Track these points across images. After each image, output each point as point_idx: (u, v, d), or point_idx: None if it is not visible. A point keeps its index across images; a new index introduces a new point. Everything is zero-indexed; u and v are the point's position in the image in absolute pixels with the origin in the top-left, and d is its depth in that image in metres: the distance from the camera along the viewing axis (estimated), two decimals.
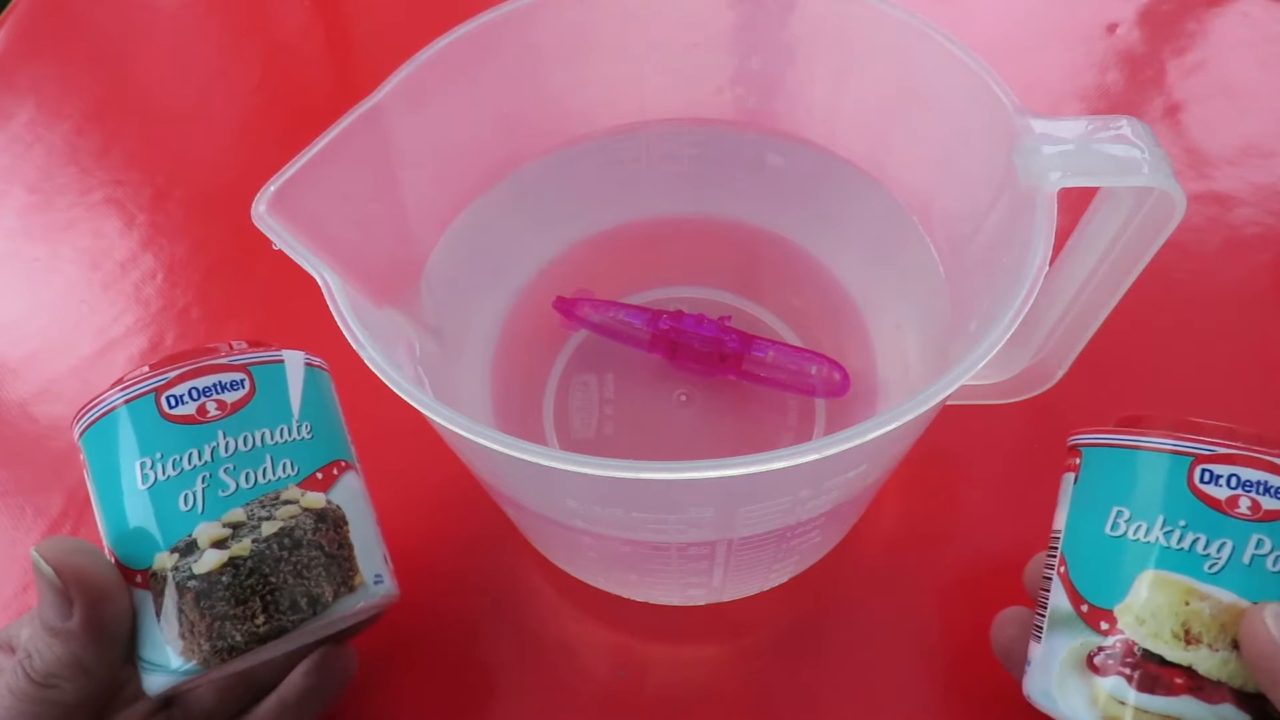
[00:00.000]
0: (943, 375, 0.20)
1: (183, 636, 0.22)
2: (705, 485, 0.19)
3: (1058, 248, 0.23)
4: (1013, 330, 0.20)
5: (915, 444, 0.26)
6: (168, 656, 0.23)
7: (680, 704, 0.31)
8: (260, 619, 0.23)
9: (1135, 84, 0.46)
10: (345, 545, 0.24)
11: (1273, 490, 0.22)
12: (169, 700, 0.27)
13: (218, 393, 0.24)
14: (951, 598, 0.32)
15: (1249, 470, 0.22)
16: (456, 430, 0.19)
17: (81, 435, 0.24)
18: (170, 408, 0.23)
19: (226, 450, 0.23)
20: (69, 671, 0.22)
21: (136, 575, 0.23)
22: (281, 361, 0.25)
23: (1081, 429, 0.26)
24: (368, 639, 0.30)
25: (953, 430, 0.32)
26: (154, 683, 0.23)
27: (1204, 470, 0.22)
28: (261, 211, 0.22)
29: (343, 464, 0.25)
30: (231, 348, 0.25)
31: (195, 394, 0.23)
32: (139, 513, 0.23)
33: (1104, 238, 0.26)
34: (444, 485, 0.34)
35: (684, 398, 0.34)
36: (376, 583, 0.25)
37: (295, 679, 0.29)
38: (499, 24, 0.27)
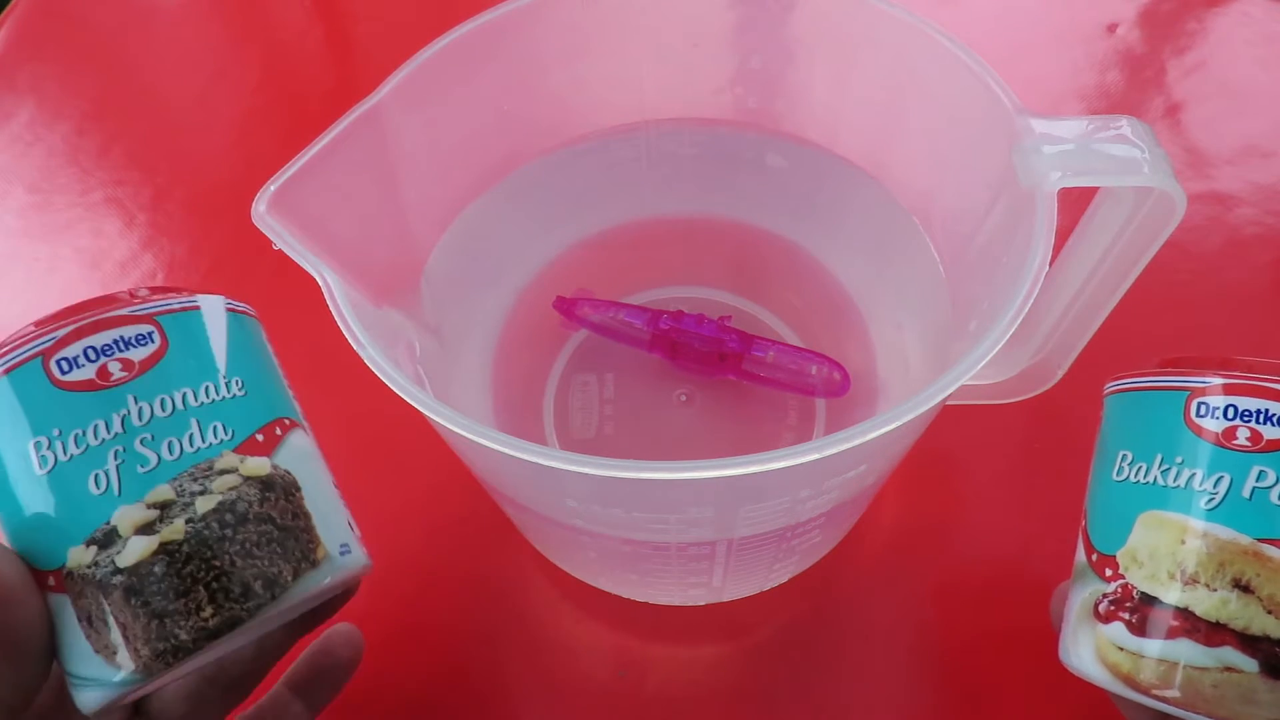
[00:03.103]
0: (943, 375, 0.20)
1: (115, 642, 0.19)
2: (705, 485, 0.19)
3: (1058, 248, 0.23)
4: (1013, 330, 0.20)
5: (915, 444, 0.26)
6: (100, 668, 0.19)
7: (680, 704, 0.31)
8: (207, 611, 0.19)
9: (1135, 84, 0.46)
10: (300, 514, 0.21)
11: (1274, 419, 0.21)
12: (136, 708, 0.24)
13: (121, 350, 0.20)
14: (952, 597, 0.32)
15: (1248, 399, 0.21)
16: (456, 430, 0.19)
17: None
18: (63, 373, 0.19)
19: (140, 418, 0.20)
20: None
21: (49, 577, 0.19)
22: (197, 309, 0.21)
23: (1116, 374, 0.25)
24: (365, 638, 0.30)
25: (953, 430, 0.32)
26: (88, 700, 0.20)
27: (1199, 403, 0.21)
28: (261, 211, 0.22)
29: (286, 422, 0.22)
30: (133, 296, 0.21)
31: (93, 354, 0.20)
32: (41, 503, 0.19)
33: (1104, 238, 0.26)
34: (443, 485, 0.34)
35: (684, 398, 0.34)
36: (343, 553, 0.22)
37: (301, 665, 0.28)
38: (499, 24, 0.27)
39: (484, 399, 0.32)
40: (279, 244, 0.22)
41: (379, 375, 0.21)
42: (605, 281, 0.35)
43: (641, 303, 0.35)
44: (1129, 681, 0.21)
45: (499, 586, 0.33)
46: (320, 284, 0.22)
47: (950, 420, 0.28)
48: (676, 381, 0.34)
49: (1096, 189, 0.25)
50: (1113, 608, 0.22)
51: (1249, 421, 0.21)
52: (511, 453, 0.19)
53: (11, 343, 0.20)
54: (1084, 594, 0.23)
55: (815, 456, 0.19)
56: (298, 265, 0.22)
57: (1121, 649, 0.22)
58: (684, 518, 0.23)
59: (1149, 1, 0.49)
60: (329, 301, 0.22)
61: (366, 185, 0.26)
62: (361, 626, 0.29)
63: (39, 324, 0.20)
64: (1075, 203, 0.25)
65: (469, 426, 0.19)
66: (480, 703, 0.31)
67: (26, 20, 0.53)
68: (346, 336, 0.21)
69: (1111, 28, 0.48)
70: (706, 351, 0.33)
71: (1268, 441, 0.21)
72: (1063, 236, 0.25)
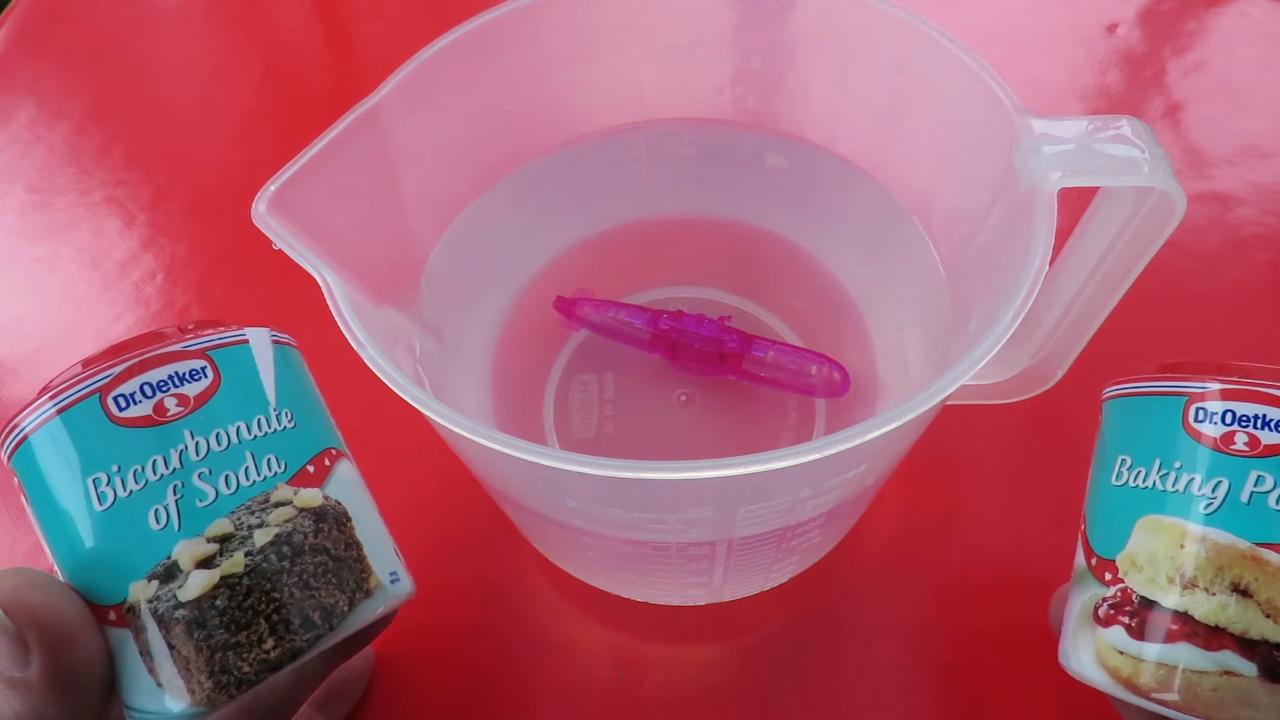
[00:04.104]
0: (943, 375, 0.20)
1: (178, 676, 0.19)
2: (705, 485, 0.19)
3: (1058, 248, 0.23)
4: (1013, 330, 0.20)
5: (915, 444, 0.26)
6: (162, 702, 0.19)
7: (680, 704, 0.31)
8: (269, 643, 0.20)
9: (1135, 84, 0.46)
10: (353, 545, 0.21)
11: (1273, 424, 0.21)
12: None
13: (176, 386, 0.20)
14: (951, 598, 0.32)
15: (1245, 405, 0.21)
16: (456, 430, 0.19)
17: (11, 457, 0.20)
18: (120, 409, 0.20)
19: (197, 452, 0.20)
20: None
21: (109, 612, 0.20)
22: (246, 342, 0.21)
23: (1114, 380, 0.25)
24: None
25: (953, 430, 0.32)
26: None
27: (1198, 409, 0.21)
28: (261, 211, 0.22)
29: (334, 453, 0.22)
30: (182, 331, 0.21)
31: (149, 390, 0.20)
32: (101, 539, 0.19)
33: (1104, 238, 0.26)
34: (443, 485, 0.34)
35: (684, 398, 0.34)
36: (393, 581, 0.22)
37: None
38: (499, 24, 0.27)
39: (484, 399, 0.32)
40: (279, 244, 0.22)
41: (379, 375, 0.21)
42: (605, 281, 0.35)
43: (641, 303, 0.35)
44: (1128, 685, 0.21)
45: (499, 586, 0.33)
46: (320, 284, 0.22)
47: (950, 420, 0.28)
48: (676, 381, 0.34)
49: (1096, 189, 0.25)
50: (1112, 611, 0.22)
51: (1247, 427, 0.21)
52: (511, 453, 0.19)
53: (63, 382, 0.20)
54: (1083, 598, 0.23)
55: (815, 456, 0.19)
56: (298, 265, 0.22)
57: (1121, 653, 0.22)
58: (684, 518, 0.23)
59: (1149, 1, 0.49)
60: (329, 301, 0.22)
61: (366, 185, 0.26)
62: None
63: (86, 363, 0.20)
64: (1075, 203, 0.25)
65: (469, 426, 0.19)
66: (480, 702, 0.31)
67: (26, 20, 0.53)
68: (346, 336, 0.21)
69: (1111, 28, 0.48)
70: (706, 351, 0.33)
71: (1265, 446, 0.21)
72: (1063, 236, 0.25)
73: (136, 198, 0.45)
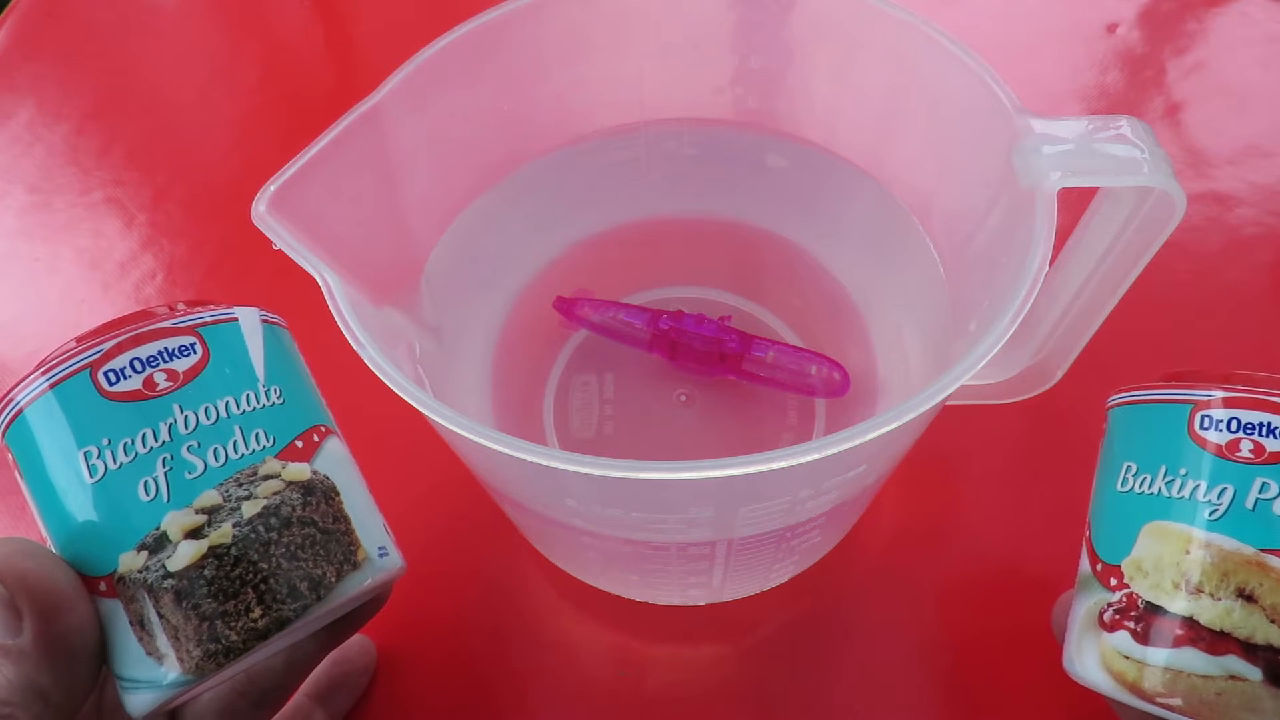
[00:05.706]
0: (943, 375, 0.20)
1: (168, 645, 0.20)
2: (705, 485, 0.19)
3: (1058, 248, 0.23)
4: (1013, 330, 0.20)
5: (915, 444, 0.26)
6: (153, 670, 0.20)
7: (680, 704, 0.31)
8: (256, 612, 0.20)
9: (1135, 84, 0.46)
10: (341, 518, 0.22)
11: (1277, 431, 0.21)
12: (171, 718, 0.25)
13: (165, 361, 0.20)
14: (951, 598, 0.32)
15: (1250, 413, 0.21)
16: (456, 430, 0.19)
17: (4, 434, 0.21)
18: (111, 384, 0.20)
19: (186, 426, 0.20)
20: (22, 697, 0.19)
21: (100, 583, 0.20)
22: (235, 320, 0.22)
23: (1119, 388, 0.25)
24: (367, 636, 0.30)
25: (953, 430, 0.32)
26: (139, 702, 0.20)
27: (1203, 416, 0.22)
28: (261, 211, 0.22)
29: (323, 429, 0.23)
30: (173, 309, 0.22)
31: (139, 365, 0.20)
32: (91, 511, 0.20)
33: (1104, 238, 0.26)
34: (443, 485, 0.34)
35: (684, 398, 0.34)
36: (381, 555, 0.22)
37: (321, 675, 0.28)
38: (499, 24, 0.27)
39: (484, 399, 0.32)
40: (279, 244, 0.22)
41: (379, 375, 0.21)
42: (605, 281, 0.35)
43: (641, 303, 0.35)
44: (1133, 689, 0.22)
45: (499, 586, 0.33)
46: (320, 284, 0.22)
47: (950, 420, 0.28)
48: (676, 381, 0.34)
49: (1096, 189, 0.25)
50: (1118, 617, 0.22)
51: (1251, 434, 0.21)
52: (511, 453, 0.19)
53: (56, 357, 0.20)
54: (1089, 603, 0.23)
55: (815, 456, 0.19)
56: (298, 265, 0.22)
57: (1126, 657, 0.22)
58: (684, 518, 0.23)
59: (1149, 1, 0.49)
60: (329, 302, 0.22)
61: (366, 185, 0.26)
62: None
63: (80, 339, 0.21)
64: (1075, 203, 0.25)
65: (469, 426, 0.19)
66: (480, 702, 0.31)
67: (26, 20, 0.53)
68: (346, 336, 0.21)
69: (1111, 28, 0.48)
70: (706, 351, 0.33)
71: (1270, 454, 0.21)
72: (1063, 236, 0.25)
73: (136, 198, 0.45)
